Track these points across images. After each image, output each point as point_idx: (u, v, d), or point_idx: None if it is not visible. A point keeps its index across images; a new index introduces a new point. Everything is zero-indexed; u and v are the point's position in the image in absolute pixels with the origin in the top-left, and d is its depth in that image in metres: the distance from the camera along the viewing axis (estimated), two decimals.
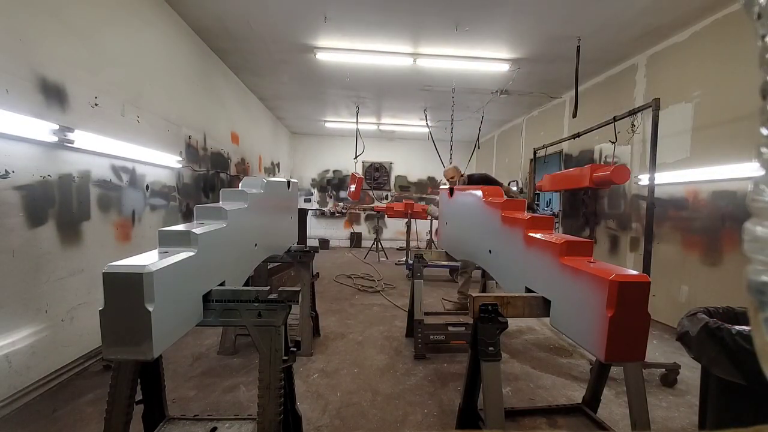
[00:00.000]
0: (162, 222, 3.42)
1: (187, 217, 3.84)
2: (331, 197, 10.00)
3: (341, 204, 9.86)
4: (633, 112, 2.82)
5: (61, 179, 2.28)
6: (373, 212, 9.12)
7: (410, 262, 3.29)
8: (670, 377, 2.47)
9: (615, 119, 3.05)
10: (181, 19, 3.73)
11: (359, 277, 5.70)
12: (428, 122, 6.33)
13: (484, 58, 4.50)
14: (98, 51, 2.60)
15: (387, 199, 9.90)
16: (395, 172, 10.03)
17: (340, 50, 4.38)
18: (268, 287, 1.30)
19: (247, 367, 2.57)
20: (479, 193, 2.28)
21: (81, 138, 2.35)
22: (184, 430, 1.51)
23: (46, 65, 2.17)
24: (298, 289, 1.33)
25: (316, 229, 9.54)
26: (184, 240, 1.17)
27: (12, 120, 1.93)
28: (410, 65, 4.67)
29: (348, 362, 2.72)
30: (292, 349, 1.42)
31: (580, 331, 1.26)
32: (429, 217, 6.43)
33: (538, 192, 5.41)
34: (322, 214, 9.80)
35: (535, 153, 4.45)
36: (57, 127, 2.18)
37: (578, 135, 3.54)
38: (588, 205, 4.96)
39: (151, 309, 0.93)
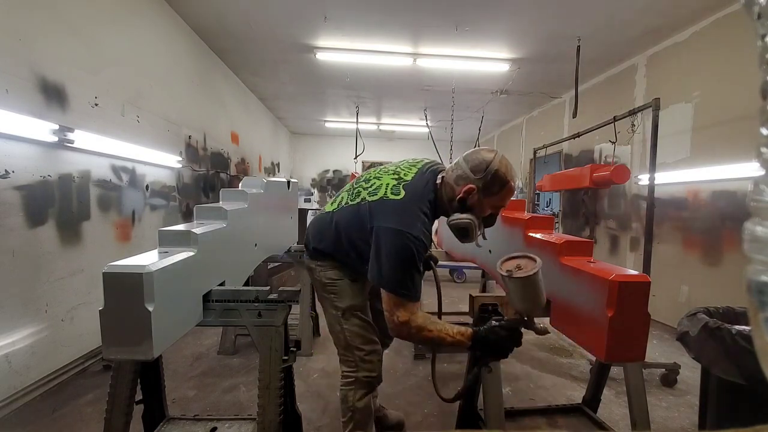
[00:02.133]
0: (162, 222, 3.42)
1: (187, 217, 3.84)
2: (331, 197, 9.99)
3: None
4: (633, 112, 2.82)
5: (61, 179, 2.27)
6: None
7: None
8: (670, 377, 2.47)
9: (615, 119, 3.05)
10: (181, 19, 3.73)
11: None
12: (428, 122, 6.32)
13: (484, 58, 4.49)
14: (98, 51, 2.60)
15: None
16: None
17: (340, 50, 4.38)
18: (268, 287, 1.29)
19: (247, 367, 2.57)
20: None
21: (81, 138, 2.35)
22: (184, 430, 1.51)
23: (46, 65, 2.17)
24: (298, 289, 1.33)
25: None
26: (184, 240, 1.17)
27: (12, 120, 1.92)
28: (410, 65, 4.67)
29: None
30: (292, 349, 1.41)
31: (580, 331, 1.26)
32: None
33: (538, 192, 5.41)
34: None
35: (535, 153, 4.45)
36: (57, 127, 2.18)
37: (578, 135, 3.54)
38: (588, 205, 4.96)
39: (151, 309, 0.93)
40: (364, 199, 1.39)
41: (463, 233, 1.32)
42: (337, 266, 1.49)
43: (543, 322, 1.31)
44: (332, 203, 1.56)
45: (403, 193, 1.33)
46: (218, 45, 4.39)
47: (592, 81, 5.00)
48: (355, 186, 1.50)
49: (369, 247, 1.31)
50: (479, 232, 1.35)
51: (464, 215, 1.30)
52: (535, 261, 1.18)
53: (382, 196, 1.35)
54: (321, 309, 1.68)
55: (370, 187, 1.42)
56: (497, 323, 1.25)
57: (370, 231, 1.31)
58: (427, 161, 1.52)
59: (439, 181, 1.40)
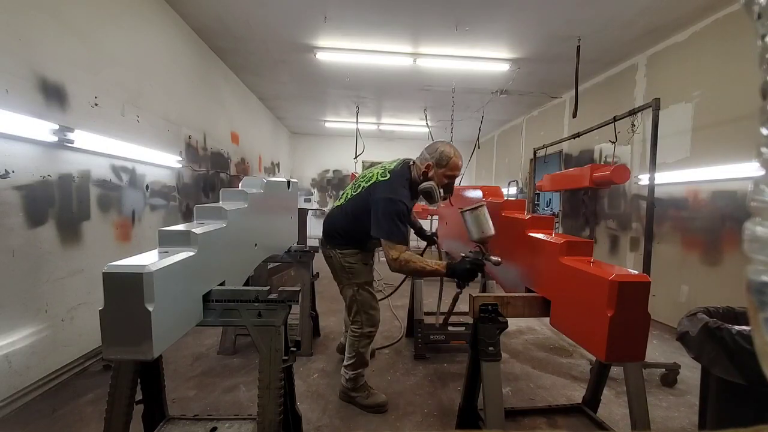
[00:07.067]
0: (162, 222, 3.42)
1: (187, 217, 3.84)
2: (331, 197, 10.00)
3: None
4: (633, 112, 2.82)
5: (61, 179, 2.27)
6: None
7: None
8: (670, 377, 2.47)
9: (615, 119, 3.04)
10: (181, 19, 3.73)
11: None
12: (428, 122, 6.32)
13: (484, 58, 4.50)
14: (98, 51, 2.60)
15: None
16: None
17: (340, 50, 4.38)
18: (268, 287, 1.30)
19: (247, 367, 2.57)
20: (479, 193, 2.28)
21: (81, 138, 2.35)
22: (184, 430, 1.51)
23: (46, 65, 2.17)
24: (298, 289, 1.33)
25: (316, 229, 9.49)
26: (184, 240, 1.17)
27: (12, 120, 1.93)
28: (410, 65, 4.67)
29: None
30: (292, 349, 1.42)
31: (580, 331, 1.26)
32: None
33: (538, 192, 5.40)
34: (322, 214, 9.80)
35: (535, 153, 4.45)
36: (57, 126, 2.18)
37: (578, 135, 3.53)
38: (588, 205, 4.96)
39: (151, 309, 0.93)
40: (362, 187, 1.97)
41: (428, 195, 1.91)
42: (353, 253, 2.01)
43: (496, 255, 1.65)
44: (338, 200, 2.10)
45: (389, 176, 1.93)
46: (218, 45, 4.38)
47: (592, 81, 5.00)
48: (355, 183, 2.05)
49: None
50: (440, 195, 1.94)
51: (428, 182, 1.91)
52: (483, 203, 1.62)
53: (374, 181, 1.94)
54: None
55: (364, 179, 2.00)
56: (464, 256, 1.65)
57: (370, 207, 1.85)
58: (405, 158, 2.09)
59: (411, 165, 2.02)
